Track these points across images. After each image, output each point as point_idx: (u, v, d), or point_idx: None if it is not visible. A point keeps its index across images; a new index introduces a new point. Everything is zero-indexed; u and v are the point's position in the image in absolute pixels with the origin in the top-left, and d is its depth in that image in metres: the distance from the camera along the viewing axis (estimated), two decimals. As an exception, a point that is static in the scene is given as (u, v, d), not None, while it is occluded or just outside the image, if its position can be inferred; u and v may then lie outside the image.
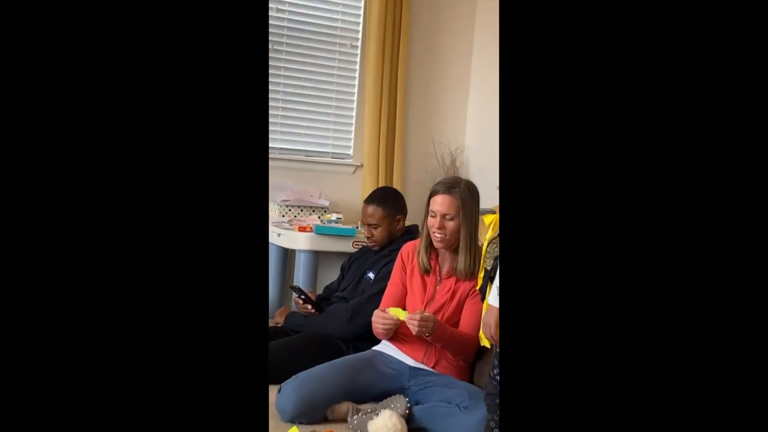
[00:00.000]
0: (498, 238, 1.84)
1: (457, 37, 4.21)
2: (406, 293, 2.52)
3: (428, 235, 2.43)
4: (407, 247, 2.57)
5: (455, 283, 2.42)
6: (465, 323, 2.40)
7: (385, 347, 2.51)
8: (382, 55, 3.83)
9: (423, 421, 2.23)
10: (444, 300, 2.44)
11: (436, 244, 2.42)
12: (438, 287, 2.46)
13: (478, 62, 4.22)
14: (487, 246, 1.92)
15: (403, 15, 3.88)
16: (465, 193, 2.37)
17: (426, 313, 2.29)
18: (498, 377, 1.84)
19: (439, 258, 2.49)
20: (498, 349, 1.84)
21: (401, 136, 4.00)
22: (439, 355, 2.40)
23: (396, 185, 3.87)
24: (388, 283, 2.56)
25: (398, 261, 2.55)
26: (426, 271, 2.47)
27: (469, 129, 4.30)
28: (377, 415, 2.15)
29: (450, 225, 2.36)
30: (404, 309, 2.42)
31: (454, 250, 2.41)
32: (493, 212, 1.95)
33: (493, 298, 1.83)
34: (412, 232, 2.92)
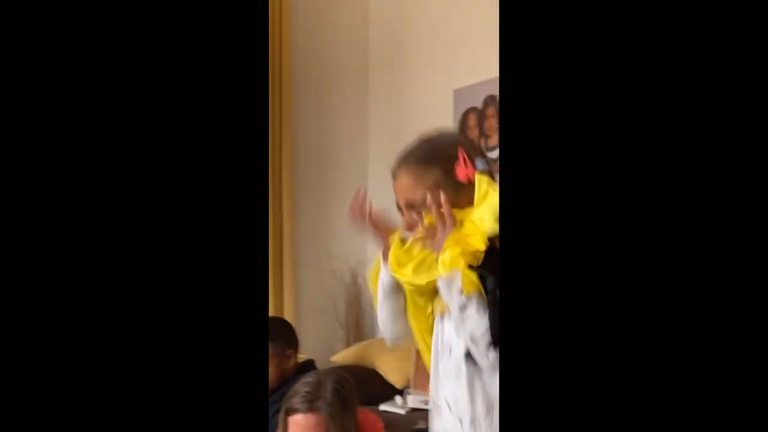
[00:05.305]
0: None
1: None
2: None
3: None
4: None
5: None
6: None
7: None
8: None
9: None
10: None
11: None
12: None
13: (373, 159, 4.19)
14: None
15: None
16: (333, 405, 2.12)
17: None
18: None
19: None
20: None
21: (289, 250, 3.78)
22: None
23: (286, 314, 3.79)
24: None
25: None
26: None
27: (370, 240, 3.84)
28: None
29: None
30: None
31: None
32: None
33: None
34: (307, 369, 2.66)
